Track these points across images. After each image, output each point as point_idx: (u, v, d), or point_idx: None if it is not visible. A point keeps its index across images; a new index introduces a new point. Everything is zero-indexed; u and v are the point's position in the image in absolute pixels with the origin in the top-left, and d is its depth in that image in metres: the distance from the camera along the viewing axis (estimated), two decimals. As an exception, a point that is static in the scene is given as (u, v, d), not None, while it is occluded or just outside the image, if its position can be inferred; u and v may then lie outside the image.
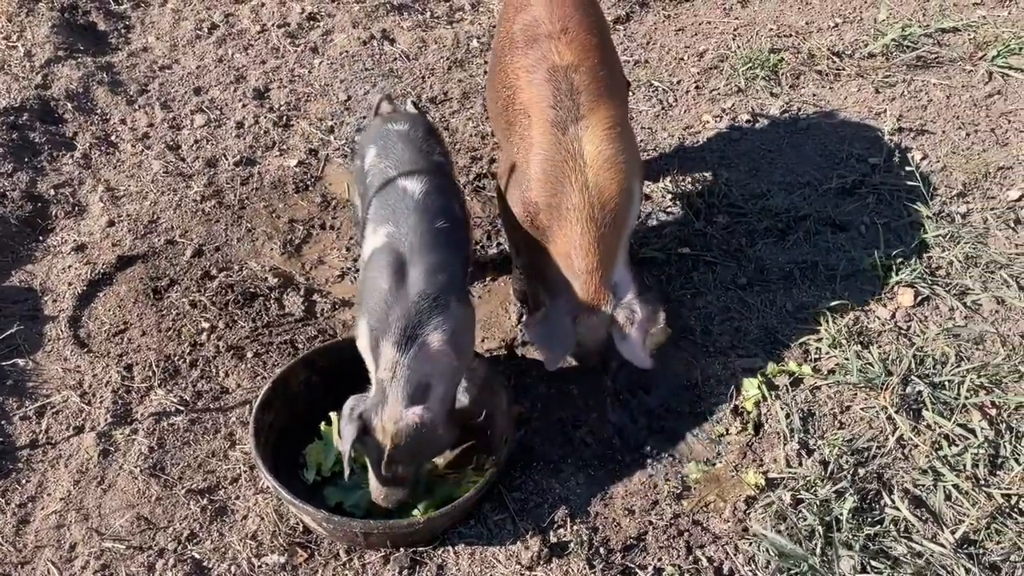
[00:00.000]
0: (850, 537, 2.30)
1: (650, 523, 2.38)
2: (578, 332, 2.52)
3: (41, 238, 3.25)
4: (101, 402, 2.66)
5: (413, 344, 2.17)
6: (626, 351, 2.50)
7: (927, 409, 2.60)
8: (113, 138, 3.74)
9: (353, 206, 2.85)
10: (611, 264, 2.51)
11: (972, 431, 2.54)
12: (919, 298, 2.99)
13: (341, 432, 2.19)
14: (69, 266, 3.12)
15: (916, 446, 2.53)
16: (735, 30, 4.48)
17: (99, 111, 3.87)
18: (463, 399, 2.62)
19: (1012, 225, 3.28)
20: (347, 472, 2.19)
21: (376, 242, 2.37)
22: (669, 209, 3.44)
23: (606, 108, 2.59)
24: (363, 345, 2.27)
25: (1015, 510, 2.37)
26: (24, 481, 2.47)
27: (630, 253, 2.65)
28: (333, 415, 2.46)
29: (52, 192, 3.42)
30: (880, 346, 2.82)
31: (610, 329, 2.51)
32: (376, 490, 2.26)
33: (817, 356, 2.82)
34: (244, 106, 3.95)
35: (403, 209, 2.37)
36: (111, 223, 3.31)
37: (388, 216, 2.38)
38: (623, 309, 2.48)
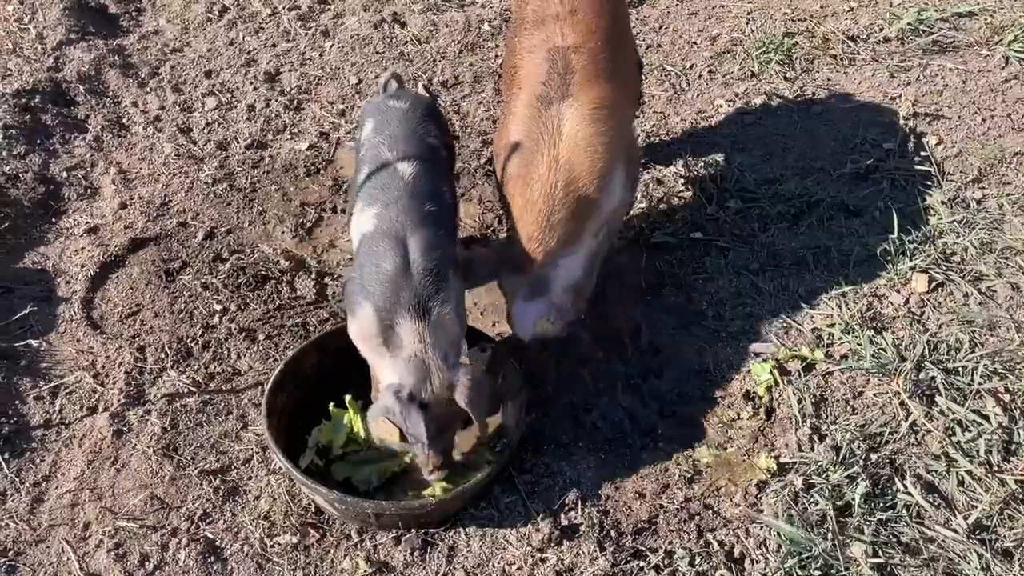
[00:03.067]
0: (862, 522, 2.29)
1: (661, 506, 2.38)
2: (502, 287, 2.59)
3: (54, 220, 3.26)
4: (114, 383, 2.68)
5: (428, 315, 2.21)
6: (515, 313, 2.52)
7: (940, 395, 2.59)
8: (125, 121, 3.75)
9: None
10: (560, 243, 2.49)
11: (986, 417, 2.53)
12: (933, 284, 2.96)
13: (405, 423, 2.16)
14: (82, 248, 3.13)
15: (929, 432, 2.52)
16: (748, 14, 4.44)
17: (111, 94, 3.87)
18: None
19: (1028, 211, 3.25)
20: (427, 461, 2.20)
21: (365, 223, 2.38)
22: (681, 194, 3.42)
23: (598, 90, 2.57)
24: (367, 332, 2.26)
25: (1028, 496, 2.36)
26: (38, 460, 2.49)
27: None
28: (347, 397, 2.46)
29: (64, 174, 3.43)
30: (893, 332, 2.81)
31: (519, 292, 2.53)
32: (432, 461, 2.25)
33: (830, 341, 2.81)
34: (255, 89, 3.94)
35: (392, 190, 2.39)
36: (123, 205, 3.31)
37: (377, 196, 2.39)
38: (539, 278, 2.50)
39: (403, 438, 2.23)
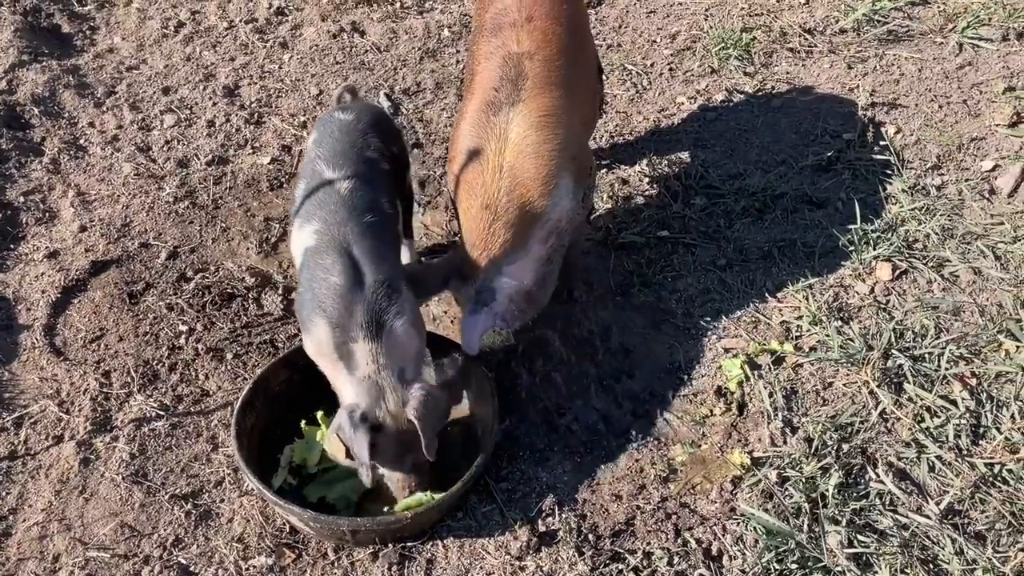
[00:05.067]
0: (836, 512, 2.31)
1: (638, 507, 2.38)
2: (456, 298, 2.59)
3: (12, 246, 3.20)
4: (80, 410, 2.63)
5: (382, 331, 2.19)
6: (464, 326, 2.51)
7: (908, 382, 2.62)
8: (82, 142, 3.69)
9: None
10: (504, 250, 2.47)
11: (953, 402, 2.56)
12: (897, 272, 3.00)
13: (351, 443, 2.14)
14: (42, 273, 3.07)
15: (899, 419, 2.54)
16: (706, 10, 4.47)
17: (66, 115, 3.81)
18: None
19: (986, 195, 3.30)
20: (369, 481, 2.18)
21: (306, 240, 2.35)
22: (647, 193, 3.43)
23: (548, 97, 2.54)
24: (324, 348, 2.23)
25: (998, 479, 2.39)
26: (4, 493, 2.44)
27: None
28: (319, 414, 2.44)
29: (22, 199, 3.37)
30: (860, 321, 2.83)
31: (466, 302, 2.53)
32: (400, 482, 2.27)
33: (798, 334, 2.83)
34: (214, 104, 3.90)
35: (330, 204, 2.36)
36: (83, 228, 3.26)
37: (314, 212, 2.37)
38: (485, 291, 2.49)
39: (349, 456, 2.21)
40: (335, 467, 2.43)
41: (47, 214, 3.34)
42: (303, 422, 2.47)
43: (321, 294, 2.23)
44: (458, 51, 4.24)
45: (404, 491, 2.27)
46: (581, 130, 2.75)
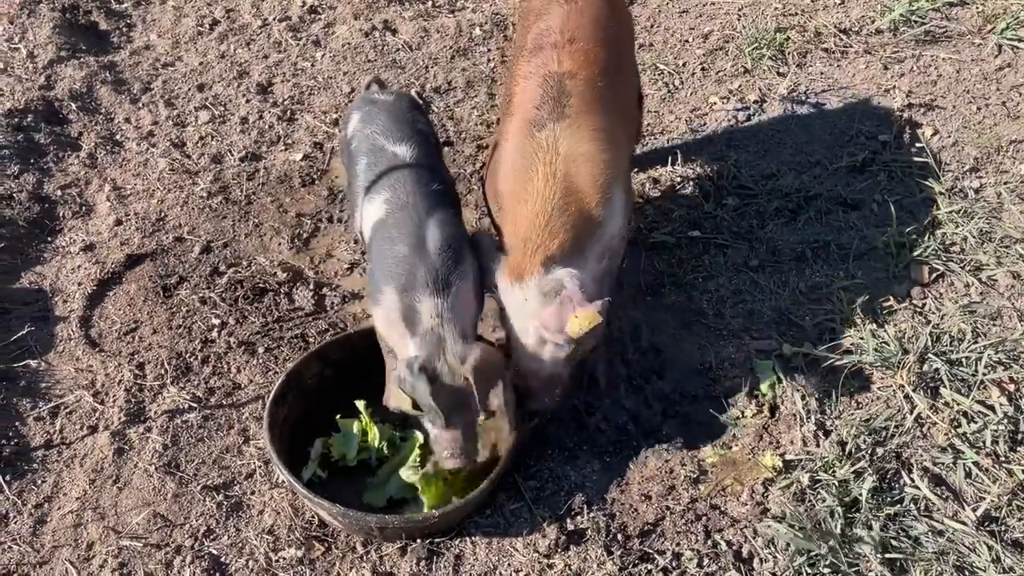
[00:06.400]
0: (870, 517, 2.28)
1: (667, 508, 2.37)
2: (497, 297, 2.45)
3: (49, 239, 3.25)
4: (114, 401, 2.66)
5: (448, 289, 2.22)
6: (547, 318, 2.32)
7: (944, 386, 2.58)
8: (118, 137, 3.74)
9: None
10: (560, 251, 2.32)
11: (991, 407, 2.51)
12: (934, 275, 2.95)
13: (414, 393, 2.16)
14: (78, 266, 3.11)
15: (934, 424, 2.50)
16: (740, 10, 4.43)
17: (103, 110, 3.86)
18: None
19: (1026, 199, 3.24)
20: (443, 420, 2.18)
21: (375, 211, 2.39)
22: (678, 192, 3.41)
23: (596, 116, 2.49)
24: (392, 316, 2.25)
25: (1037, 486, 2.34)
26: (40, 481, 2.48)
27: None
28: (361, 403, 2.45)
29: (59, 193, 3.42)
30: (895, 324, 2.79)
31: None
32: (450, 442, 2.23)
33: (832, 336, 2.79)
34: (248, 101, 3.93)
35: (396, 174, 2.41)
36: (119, 222, 3.30)
37: (383, 182, 2.41)
38: (552, 281, 2.29)
39: (416, 408, 2.22)
40: (369, 457, 2.44)
41: (84, 208, 3.39)
42: (338, 416, 2.48)
43: (389, 264, 2.26)
44: (489, 50, 4.25)
45: (446, 453, 2.23)
46: (627, 155, 2.70)
